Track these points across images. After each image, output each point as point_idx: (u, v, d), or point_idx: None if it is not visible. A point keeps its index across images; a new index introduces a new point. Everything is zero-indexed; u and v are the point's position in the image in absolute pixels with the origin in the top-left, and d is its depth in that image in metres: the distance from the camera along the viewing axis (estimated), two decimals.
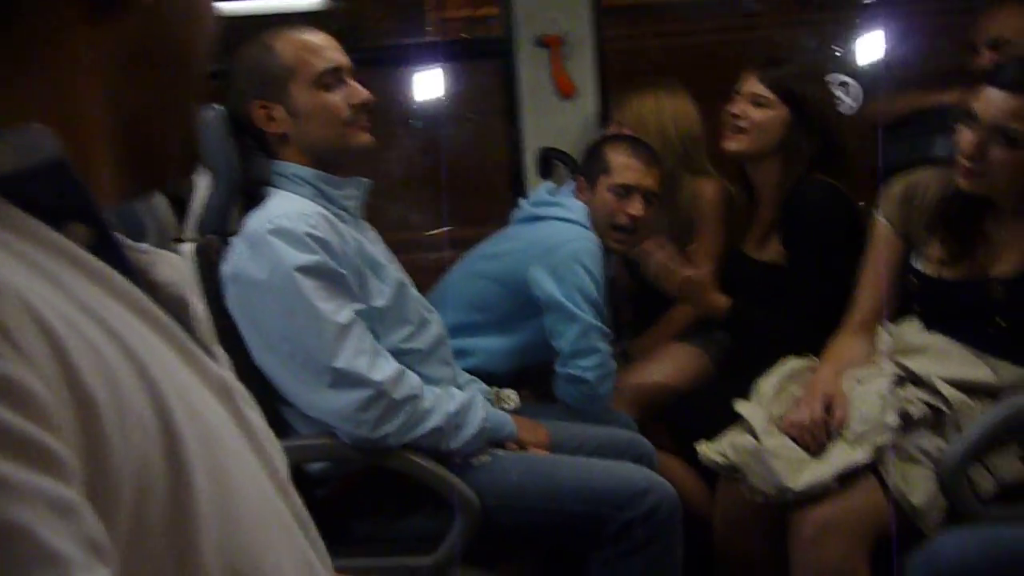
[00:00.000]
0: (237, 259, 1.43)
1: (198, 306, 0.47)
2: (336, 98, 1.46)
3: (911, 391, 1.53)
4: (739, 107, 1.95)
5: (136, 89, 0.42)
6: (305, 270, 1.38)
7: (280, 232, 1.39)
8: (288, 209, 1.43)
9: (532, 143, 2.45)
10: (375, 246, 1.58)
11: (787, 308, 1.91)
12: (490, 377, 1.90)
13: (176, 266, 0.46)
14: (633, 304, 2.44)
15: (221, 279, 1.44)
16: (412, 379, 1.45)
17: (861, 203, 2.00)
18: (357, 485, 1.51)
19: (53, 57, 0.38)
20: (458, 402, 1.49)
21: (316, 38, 1.48)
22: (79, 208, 0.38)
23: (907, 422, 1.50)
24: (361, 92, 1.48)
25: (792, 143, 1.94)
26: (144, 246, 0.45)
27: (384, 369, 1.41)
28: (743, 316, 1.93)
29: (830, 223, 1.89)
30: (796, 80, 1.96)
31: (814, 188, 1.92)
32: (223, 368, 0.46)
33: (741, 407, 1.66)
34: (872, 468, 1.47)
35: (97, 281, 0.37)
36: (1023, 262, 1.53)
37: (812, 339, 1.79)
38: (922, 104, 2.17)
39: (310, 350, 1.39)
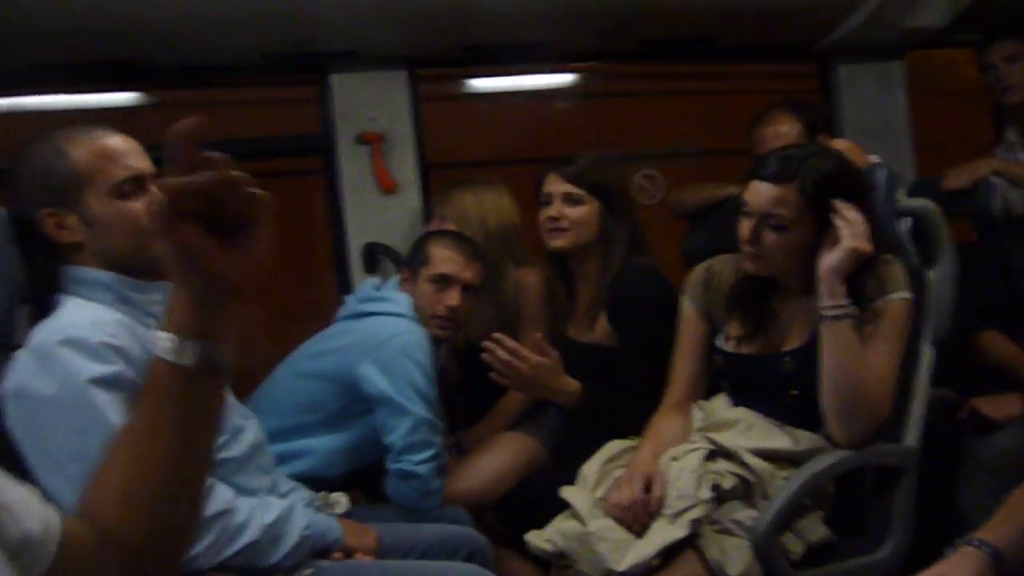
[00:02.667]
0: (21, 374, 1.30)
1: None
2: (135, 207, 1.38)
3: (722, 464, 1.61)
4: (555, 209, 2.03)
5: None
6: (100, 382, 1.28)
7: (71, 342, 1.29)
8: (81, 318, 1.33)
9: (357, 239, 2.45)
10: None
11: (618, 388, 1.97)
12: (322, 480, 1.83)
13: None
14: (465, 394, 2.45)
15: (1, 396, 1.31)
16: (222, 493, 1.36)
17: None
18: None
19: None
20: (275, 512, 1.42)
21: (115, 142, 1.39)
22: None
23: (720, 494, 1.57)
24: (156, 201, 1.40)
25: (608, 231, 2.04)
26: None
27: None
28: (593, 398, 1.94)
29: (654, 301, 1.97)
30: (598, 171, 2.07)
31: (635, 269, 2.02)
32: None
33: (566, 492, 1.68)
34: (691, 542, 1.51)
35: None
36: (808, 336, 1.67)
37: (641, 419, 1.84)
38: (718, 195, 2.37)
39: None
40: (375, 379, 1.84)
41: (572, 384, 1.91)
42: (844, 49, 2.74)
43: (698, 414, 1.76)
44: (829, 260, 1.57)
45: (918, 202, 1.83)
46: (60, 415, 1.27)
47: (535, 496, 2.01)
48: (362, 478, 1.97)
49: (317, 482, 1.80)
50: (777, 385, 1.69)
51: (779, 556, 1.54)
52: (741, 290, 1.75)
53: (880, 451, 1.63)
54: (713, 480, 1.57)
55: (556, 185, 2.04)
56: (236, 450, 1.48)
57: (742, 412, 1.70)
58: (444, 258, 1.97)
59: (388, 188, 2.46)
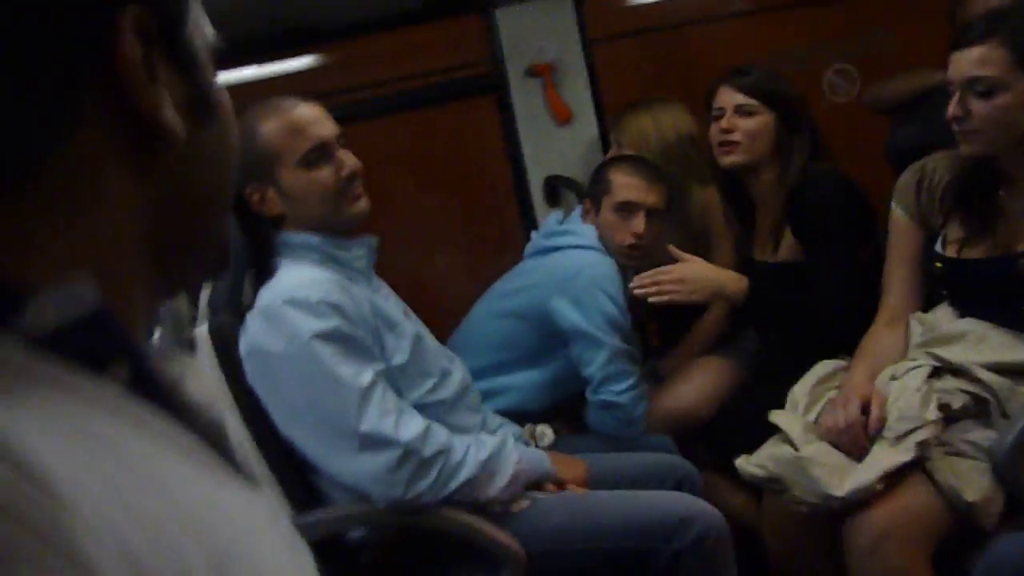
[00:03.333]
0: (253, 334, 1.43)
1: (228, 420, 0.46)
2: (324, 174, 1.45)
3: (949, 382, 1.49)
4: (727, 121, 1.92)
5: (171, 225, 0.42)
6: (322, 336, 1.38)
7: (294, 302, 1.39)
8: (300, 279, 1.43)
9: (535, 173, 2.45)
10: (388, 302, 1.58)
11: (811, 304, 1.87)
12: (524, 415, 1.88)
13: (202, 377, 0.46)
14: (657, 320, 2.41)
15: (240, 357, 1.45)
16: (440, 433, 1.44)
17: (870, 190, 1.96)
18: (399, 548, 1.50)
19: (91, 204, 0.38)
20: (489, 448, 1.48)
21: (299, 114, 1.46)
22: (118, 347, 0.38)
23: (948, 415, 1.45)
24: (348, 163, 1.47)
25: (784, 143, 1.91)
26: (171, 356, 0.44)
27: (411, 427, 1.39)
28: (760, 292, 1.86)
29: (842, 208, 1.84)
30: (771, 81, 1.94)
31: (817, 176, 1.88)
32: (266, 492, 0.46)
33: (776, 417, 1.62)
34: (919, 466, 1.42)
35: (142, 431, 0.37)
36: None
37: (842, 337, 1.74)
38: (925, 84, 2.13)
39: (334, 416, 1.38)
40: (568, 313, 1.85)
41: (734, 276, 1.84)
42: None
43: (917, 328, 1.62)
44: None
45: None
46: (290, 369, 1.39)
47: (739, 420, 1.97)
48: (564, 410, 2.01)
49: (520, 416, 1.86)
50: (1010, 290, 1.51)
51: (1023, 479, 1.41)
52: (961, 186, 1.57)
53: None
54: (940, 399, 1.45)
55: (728, 96, 1.92)
56: (446, 392, 1.55)
57: (970, 323, 1.55)
58: (626, 184, 1.93)
59: (563, 119, 2.42)
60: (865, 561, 1.39)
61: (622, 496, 1.57)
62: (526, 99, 2.42)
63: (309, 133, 1.45)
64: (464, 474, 1.43)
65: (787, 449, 1.54)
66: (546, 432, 1.87)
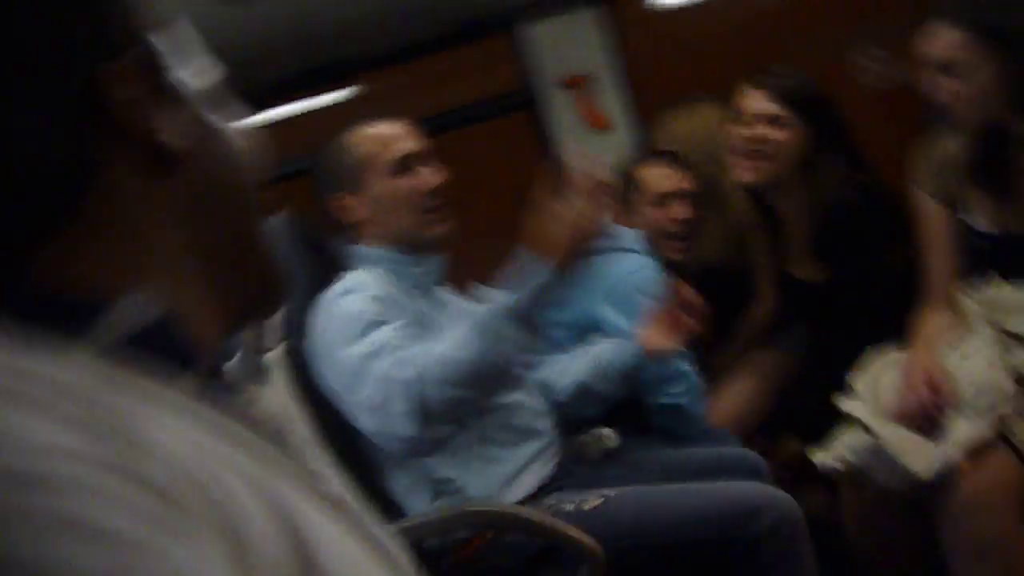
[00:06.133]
0: (318, 333, 1.46)
1: (299, 433, 0.50)
2: (408, 184, 1.51)
3: (1018, 353, 1.47)
4: (757, 131, 1.81)
5: (204, 230, 0.47)
6: (373, 325, 1.40)
7: (348, 291, 1.44)
8: (356, 279, 1.48)
9: None
10: (447, 317, 1.59)
11: (848, 313, 1.83)
12: (584, 421, 1.89)
13: (272, 398, 0.50)
14: (706, 319, 2.41)
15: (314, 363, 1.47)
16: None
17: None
18: (478, 549, 1.51)
19: (130, 220, 0.44)
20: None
21: (388, 128, 1.54)
22: (187, 359, 0.42)
23: (1022, 385, 1.44)
24: (431, 179, 1.52)
25: (813, 159, 1.82)
26: (242, 380, 0.48)
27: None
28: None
29: (874, 229, 1.81)
30: (806, 89, 1.84)
31: (848, 198, 1.81)
32: (336, 487, 0.49)
33: (845, 404, 1.61)
34: (1000, 438, 1.40)
35: (222, 434, 0.40)
36: None
37: (896, 327, 1.70)
38: None
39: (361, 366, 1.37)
40: (616, 320, 1.85)
41: None
42: None
43: (972, 305, 1.60)
44: None
45: None
46: (333, 336, 1.41)
47: (795, 408, 1.96)
48: (624, 412, 2.01)
49: (579, 424, 1.86)
50: None
51: None
52: (975, 158, 1.56)
53: None
54: (1013, 369, 1.44)
55: (757, 103, 1.83)
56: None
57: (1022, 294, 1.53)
58: (657, 177, 1.94)
59: (600, 126, 2.45)
60: (958, 535, 1.37)
61: (694, 488, 1.56)
62: (562, 112, 2.45)
63: (396, 145, 1.52)
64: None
65: (864, 437, 1.53)
66: (611, 435, 1.87)
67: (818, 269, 1.90)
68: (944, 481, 1.40)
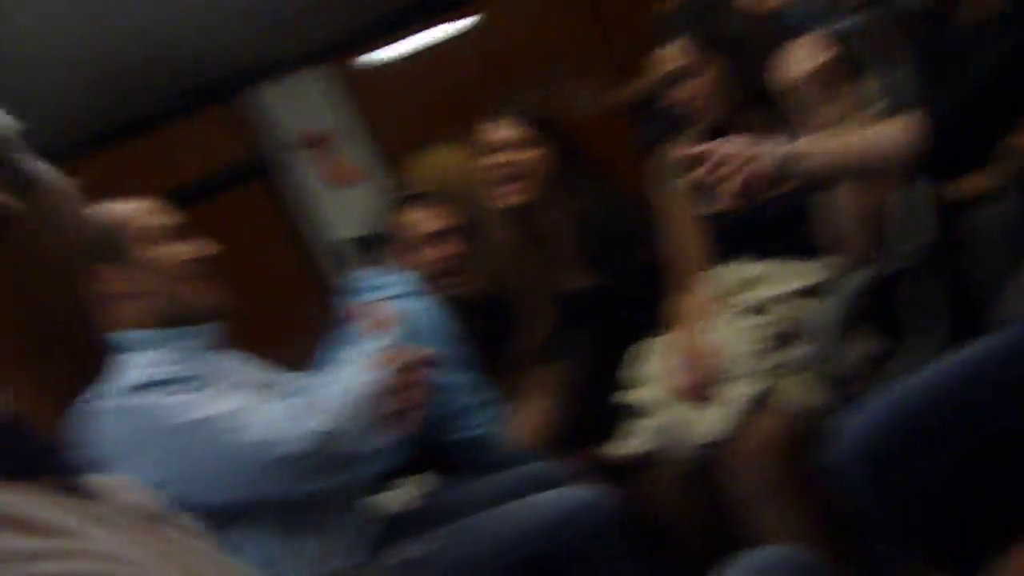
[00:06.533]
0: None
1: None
2: (180, 250, 1.43)
3: (763, 318, 1.67)
4: (504, 156, 1.93)
5: (35, 302, 0.44)
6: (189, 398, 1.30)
7: (145, 387, 1.31)
8: (143, 369, 1.34)
9: (327, 240, 2.44)
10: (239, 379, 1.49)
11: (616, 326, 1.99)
12: (393, 472, 1.85)
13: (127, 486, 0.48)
14: (484, 347, 2.47)
15: None
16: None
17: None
18: None
19: None
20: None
21: (143, 202, 1.45)
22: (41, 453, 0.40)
23: (771, 344, 1.64)
24: (200, 248, 1.46)
25: (564, 173, 1.98)
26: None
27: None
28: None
29: (628, 233, 1.99)
30: (544, 108, 2.03)
31: (603, 204, 1.98)
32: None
33: (631, 395, 1.73)
34: (764, 393, 1.58)
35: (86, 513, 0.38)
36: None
37: (650, 321, 1.87)
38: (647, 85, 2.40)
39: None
40: None
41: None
42: None
43: (715, 283, 1.79)
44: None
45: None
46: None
47: (584, 417, 2.07)
48: (429, 456, 2.00)
49: (388, 475, 1.82)
50: (782, 227, 1.74)
51: (843, 376, 1.61)
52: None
53: (898, 254, 1.71)
54: (762, 333, 1.63)
55: (501, 130, 1.97)
56: None
57: (760, 266, 1.76)
58: (419, 219, 1.97)
59: (347, 181, 2.44)
60: (748, 485, 1.52)
61: (512, 508, 1.59)
62: (303, 172, 2.41)
63: (159, 216, 1.43)
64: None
65: (654, 420, 1.65)
66: (426, 479, 1.85)
67: (586, 276, 2.03)
68: (726, 442, 1.55)
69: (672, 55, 1.72)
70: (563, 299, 2.08)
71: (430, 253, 1.95)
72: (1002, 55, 1.99)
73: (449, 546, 1.49)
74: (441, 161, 2.24)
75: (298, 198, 2.43)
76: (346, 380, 1.42)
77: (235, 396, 1.34)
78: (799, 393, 1.57)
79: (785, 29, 1.80)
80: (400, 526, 1.65)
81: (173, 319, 1.41)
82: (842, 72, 1.60)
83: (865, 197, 1.60)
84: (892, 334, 1.74)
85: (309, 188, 2.43)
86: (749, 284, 1.74)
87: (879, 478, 1.14)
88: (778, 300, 1.68)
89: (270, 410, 1.34)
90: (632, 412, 1.73)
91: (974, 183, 2.11)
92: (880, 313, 1.74)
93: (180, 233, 1.45)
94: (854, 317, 1.69)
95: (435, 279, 1.95)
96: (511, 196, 1.95)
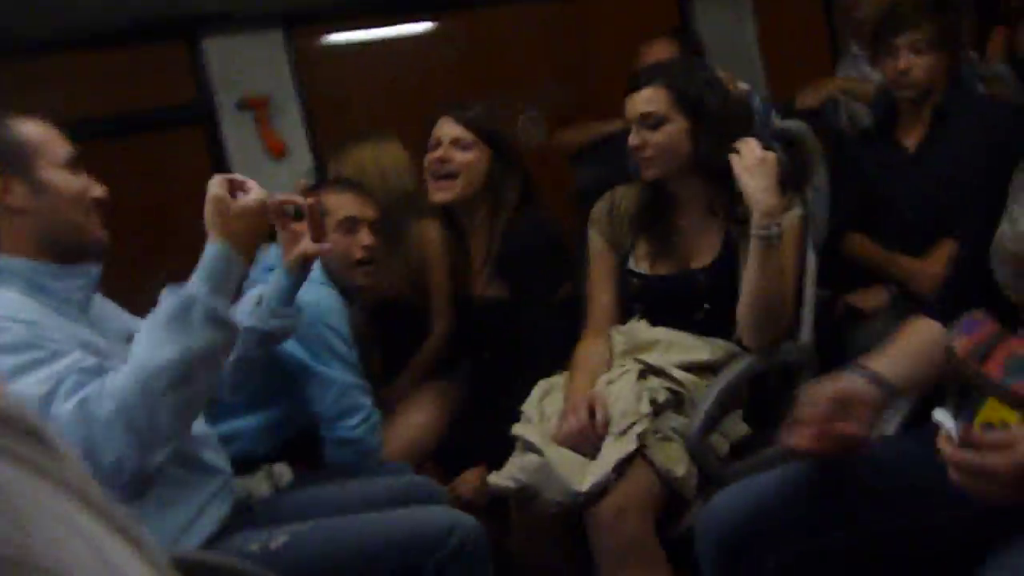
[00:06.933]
0: None
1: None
2: (81, 182, 1.36)
3: (653, 381, 1.74)
4: (442, 152, 2.00)
5: None
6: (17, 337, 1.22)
7: None
8: None
9: None
10: (108, 333, 1.44)
11: (525, 336, 2.02)
12: (258, 457, 1.81)
13: None
14: (381, 350, 2.47)
15: None
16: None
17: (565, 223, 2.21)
18: None
19: None
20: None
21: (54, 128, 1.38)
22: None
23: (657, 408, 1.71)
24: (98, 186, 1.39)
25: (498, 181, 2.03)
26: None
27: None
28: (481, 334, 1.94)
29: (545, 258, 2.02)
30: (491, 117, 2.07)
31: (527, 222, 2.02)
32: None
33: (518, 429, 1.76)
34: (639, 454, 1.64)
35: None
36: (716, 253, 1.82)
37: (556, 356, 1.92)
38: (604, 130, 2.47)
39: None
40: (293, 351, 1.82)
41: None
42: None
43: (619, 339, 1.86)
44: (759, 181, 1.65)
45: (792, 123, 2.00)
46: None
47: (465, 439, 2.10)
48: (298, 446, 1.97)
49: (254, 459, 1.79)
50: (691, 301, 1.83)
51: (710, 454, 1.70)
52: (643, 211, 1.87)
53: (784, 351, 1.82)
54: (650, 396, 1.70)
55: (447, 128, 2.02)
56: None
57: (662, 331, 1.83)
58: (344, 202, 1.94)
59: (277, 152, 2.39)
60: (607, 537, 1.57)
61: (378, 517, 1.59)
62: (238, 132, 2.35)
63: (66, 143, 1.35)
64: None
65: (533, 457, 1.69)
66: (284, 472, 1.82)
67: (498, 289, 2.05)
68: (598, 494, 1.60)
69: (642, 100, 1.77)
70: (468, 306, 2.10)
71: (347, 239, 1.92)
72: (915, 187, 2.18)
73: (310, 542, 1.48)
74: (375, 154, 2.23)
75: (227, 156, 2.36)
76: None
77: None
78: (671, 461, 1.64)
79: (751, 116, 1.90)
80: (259, 513, 1.63)
81: (56, 249, 1.35)
82: (780, 171, 1.69)
83: (768, 289, 1.69)
84: (765, 424, 1.85)
85: (241, 149, 2.37)
86: (651, 346, 1.81)
87: (728, 565, 1.21)
88: (674, 368, 1.75)
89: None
90: (517, 445, 1.77)
91: (866, 297, 2.29)
92: (758, 403, 1.85)
93: (79, 165, 1.38)
94: (734, 401, 1.79)
95: (345, 267, 1.92)
96: (442, 192, 2.00)
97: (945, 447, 0.95)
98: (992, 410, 1.05)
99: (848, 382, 1.16)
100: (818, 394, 1.13)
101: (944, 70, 2.21)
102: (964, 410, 1.09)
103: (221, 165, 2.37)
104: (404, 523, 1.54)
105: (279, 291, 1.62)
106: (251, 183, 1.43)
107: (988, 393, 1.06)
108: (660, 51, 2.49)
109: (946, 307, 1.22)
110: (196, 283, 1.30)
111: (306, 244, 1.60)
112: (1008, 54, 2.71)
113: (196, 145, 2.41)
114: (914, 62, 2.19)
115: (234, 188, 1.41)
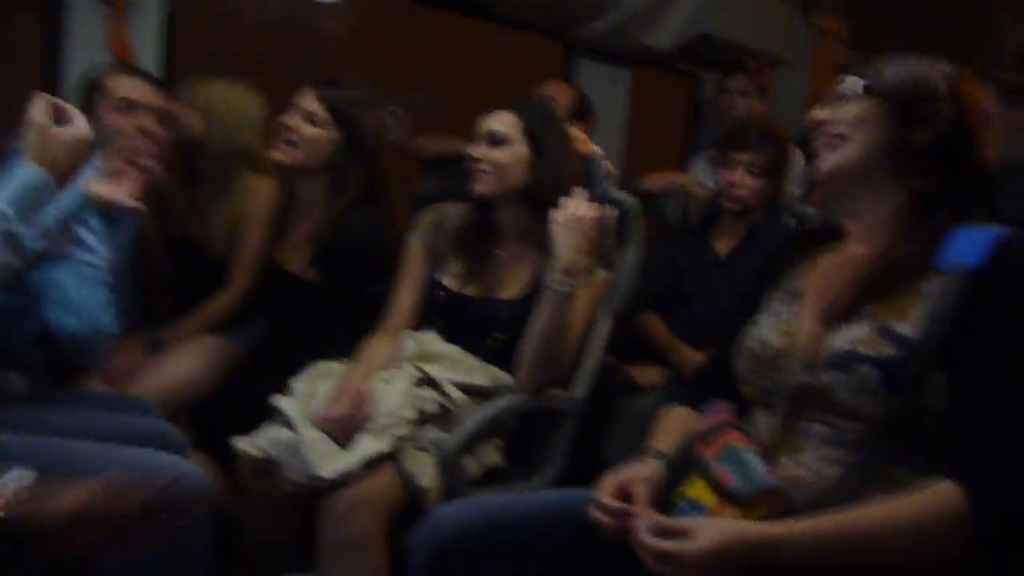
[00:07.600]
0: None
1: None
2: None
3: (427, 391, 1.77)
4: (292, 120, 2.02)
5: None
6: None
7: None
8: None
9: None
10: None
11: (320, 320, 2.03)
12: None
13: None
14: (173, 292, 2.36)
15: None
16: None
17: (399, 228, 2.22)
18: None
19: None
20: None
21: None
22: None
23: (422, 417, 1.74)
24: None
25: (340, 166, 2.04)
26: None
27: None
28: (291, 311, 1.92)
29: (370, 254, 2.04)
30: (351, 104, 2.07)
31: (360, 222, 2.03)
32: None
33: (280, 402, 1.74)
34: (391, 456, 1.66)
35: None
36: (525, 289, 1.89)
37: (343, 344, 1.92)
38: (459, 149, 2.52)
39: None
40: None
41: None
42: (589, 48, 3.04)
43: (410, 343, 1.88)
44: (570, 237, 1.70)
45: (623, 195, 2.13)
46: None
47: (228, 402, 2.04)
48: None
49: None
50: (487, 327, 1.88)
51: (459, 473, 1.74)
52: (467, 229, 1.93)
53: (556, 398, 1.91)
54: (418, 404, 1.73)
55: (306, 100, 2.04)
56: None
57: (451, 349, 1.87)
58: (126, 84, 1.88)
59: (121, 57, 2.25)
60: (335, 529, 1.57)
61: (107, 449, 1.51)
62: (86, 25, 2.19)
63: None
64: None
65: (286, 433, 1.67)
66: (17, 378, 1.68)
67: (313, 274, 2.04)
68: (339, 484, 1.60)
69: (494, 119, 1.86)
70: (276, 274, 2.05)
71: (126, 121, 1.85)
72: (715, 289, 2.39)
73: (26, 458, 1.37)
74: (230, 94, 2.16)
75: (69, 52, 2.18)
76: None
77: None
78: (418, 470, 1.67)
79: (588, 175, 2.01)
80: None
81: None
82: (600, 234, 1.80)
83: (550, 338, 1.77)
84: (521, 460, 1.93)
85: (83, 45, 2.20)
86: (437, 359, 1.84)
87: None
88: (449, 384, 1.80)
89: None
90: (275, 417, 1.74)
91: (645, 373, 2.46)
92: (520, 438, 1.93)
93: None
94: (497, 430, 1.85)
95: (127, 146, 1.80)
96: (281, 155, 2.03)
97: (640, 536, 1.04)
98: (695, 488, 1.17)
99: (630, 470, 1.24)
100: (606, 487, 1.21)
101: (766, 194, 2.45)
102: (677, 479, 1.21)
103: (58, 62, 2.18)
104: (132, 461, 1.47)
105: (65, 212, 1.50)
106: (74, 112, 1.37)
107: (699, 472, 1.17)
108: (558, 92, 2.61)
109: (698, 393, 1.35)
110: (3, 202, 1.28)
111: (120, 194, 1.52)
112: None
113: (31, 36, 2.21)
114: (745, 180, 2.41)
115: (58, 115, 1.34)
